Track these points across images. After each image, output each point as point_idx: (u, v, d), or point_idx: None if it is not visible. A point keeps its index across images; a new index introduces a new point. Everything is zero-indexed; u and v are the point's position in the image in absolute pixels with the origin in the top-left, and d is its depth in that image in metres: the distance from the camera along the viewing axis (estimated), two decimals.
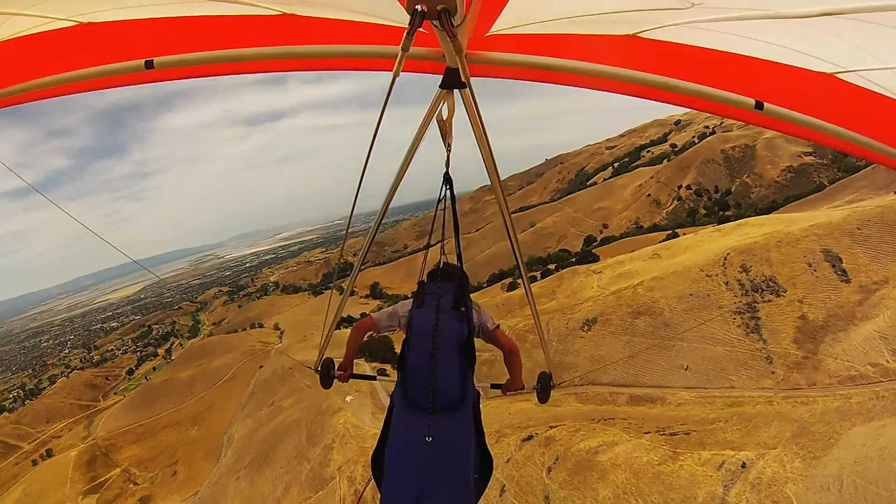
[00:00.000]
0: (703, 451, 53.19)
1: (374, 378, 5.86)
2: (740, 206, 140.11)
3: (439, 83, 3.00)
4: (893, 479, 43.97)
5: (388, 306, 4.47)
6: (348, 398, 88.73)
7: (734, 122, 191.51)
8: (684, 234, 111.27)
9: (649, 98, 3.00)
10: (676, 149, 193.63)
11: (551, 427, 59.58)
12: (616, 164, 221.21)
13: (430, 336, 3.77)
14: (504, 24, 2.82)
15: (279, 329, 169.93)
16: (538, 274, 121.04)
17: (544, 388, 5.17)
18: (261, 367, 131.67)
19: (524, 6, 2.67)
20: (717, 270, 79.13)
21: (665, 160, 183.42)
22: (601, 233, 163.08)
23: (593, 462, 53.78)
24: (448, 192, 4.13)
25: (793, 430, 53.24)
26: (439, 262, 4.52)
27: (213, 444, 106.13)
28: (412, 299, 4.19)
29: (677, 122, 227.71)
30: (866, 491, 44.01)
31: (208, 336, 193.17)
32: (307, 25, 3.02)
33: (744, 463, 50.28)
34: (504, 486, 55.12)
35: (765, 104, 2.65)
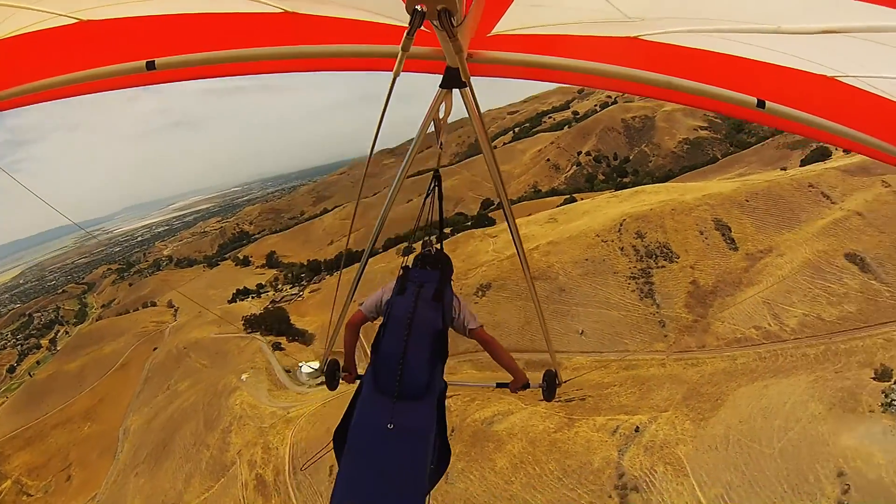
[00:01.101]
0: (598, 417, 54.67)
1: None
2: (638, 174, 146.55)
3: (439, 83, 3.09)
4: (776, 436, 47.33)
5: (372, 293, 4.57)
6: (244, 376, 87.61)
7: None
8: (582, 200, 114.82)
9: (652, 97, 3.28)
10: (578, 116, 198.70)
11: (447, 397, 58.79)
12: (517, 129, 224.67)
13: (404, 323, 3.93)
14: (506, 26, 2.93)
15: (173, 306, 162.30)
16: (433, 237, 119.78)
17: (549, 385, 5.36)
18: (155, 349, 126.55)
19: (526, 11, 2.78)
20: (612, 236, 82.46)
21: (566, 127, 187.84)
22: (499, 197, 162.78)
23: (489, 432, 54.86)
24: (437, 187, 4.75)
25: (683, 393, 55.89)
26: (430, 248, 4.83)
27: (109, 440, 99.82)
28: (395, 283, 4.30)
29: (580, 91, 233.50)
30: (750, 449, 47.01)
31: (97, 321, 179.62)
32: (308, 24, 3.09)
33: (637, 427, 52.09)
34: None
35: (767, 103, 2.76)
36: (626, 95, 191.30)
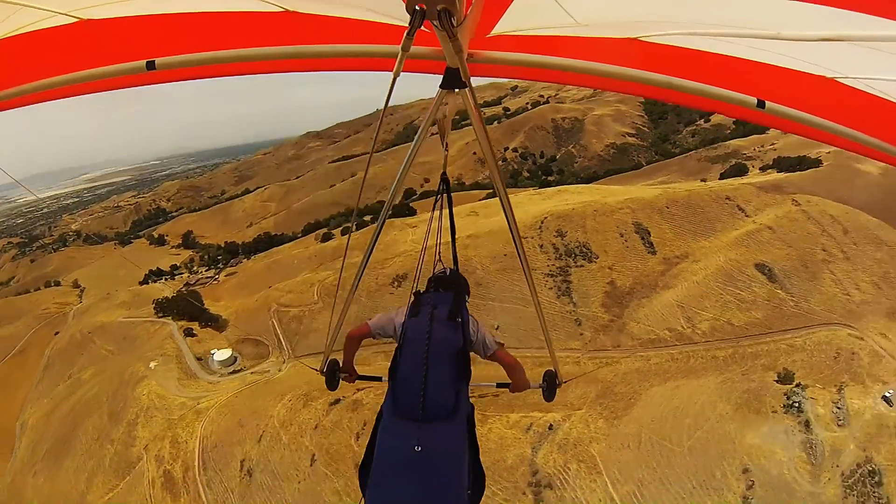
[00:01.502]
0: (512, 414, 54.21)
1: (379, 379, 5.02)
2: (563, 174, 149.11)
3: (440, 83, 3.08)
4: (686, 435, 48.57)
5: (382, 314, 4.51)
6: (152, 364, 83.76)
7: (568, 93, 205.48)
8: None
9: (652, 97, 3.35)
10: (509, 112, 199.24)
11: (359, 390, 59.73)
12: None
13: (422, 344, 3.80)
14: (505, 27, 2.96)
15: (79, 286, 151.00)
16: (354, 226, 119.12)
17: (550, 386, 5.22)
18: (56, 333, 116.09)
19: (526, 12, 2.81)
20: (533, 233, 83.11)
21: (496, 122, 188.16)
22: (422, 187, 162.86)
23: None
24: (446, 193, 4.42)
25: (597, 391, 56.44)
26: (444, 270, 4.63)
27: (5, 436, 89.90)
28: (407, 308, 4.18)
29: (514, 88, 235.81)
30: (662, 447, 47.94)
31: None
32: (308, 23, 3.13)
33: (551, 424, 51.97)
34: (314, 455, 54.73)
35: (767, 103, 2.80)
36: (558, 96, 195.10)
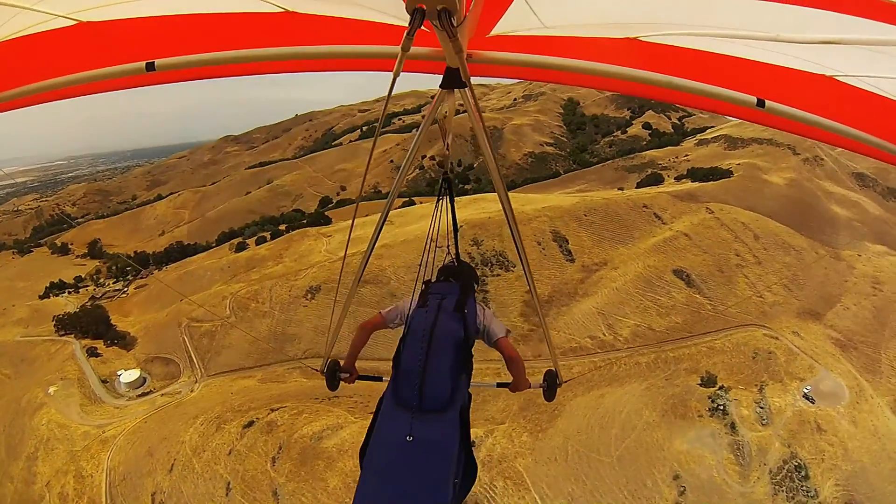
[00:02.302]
0: None
1: (379, 379, 5.18)
2: (480, 182, 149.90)
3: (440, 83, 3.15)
4: (613, 444, 48.10)
5: (386, 308, 4.79)
6: (51, 389, 77.19)
7: (488, 103, 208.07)
8: (421, 203, 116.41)
9: (651, 97, 3.39)
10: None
11: (273, 410, 58.70)
12: (365, 128, 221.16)
13: (425, 334, 3.96)
14: (505, 27, 3.03)
15: None
16: (268, 235, 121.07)
17: (550, 386, 5.60)
18: None
19: (526, 12, 2.86)
20: (447, 241, 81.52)
21: (414, 129, 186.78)
22: (338, 195, 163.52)
23: (319, 449, 53.13)
24: (448, 192, 4.65)
25: (520, 404, 55.73)
26: (452, 261, 4.95)
27: None
28: (413, 297, 4.44)
29: (433, 97, 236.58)
30: (590, 459, 47.30)
31: None
32: (308, 23, 3.17)
33: (473, 441, 49.53)
34: (229, 483, 52.84)
35: (767, 102, 2.86)
36: (478, 104, 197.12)
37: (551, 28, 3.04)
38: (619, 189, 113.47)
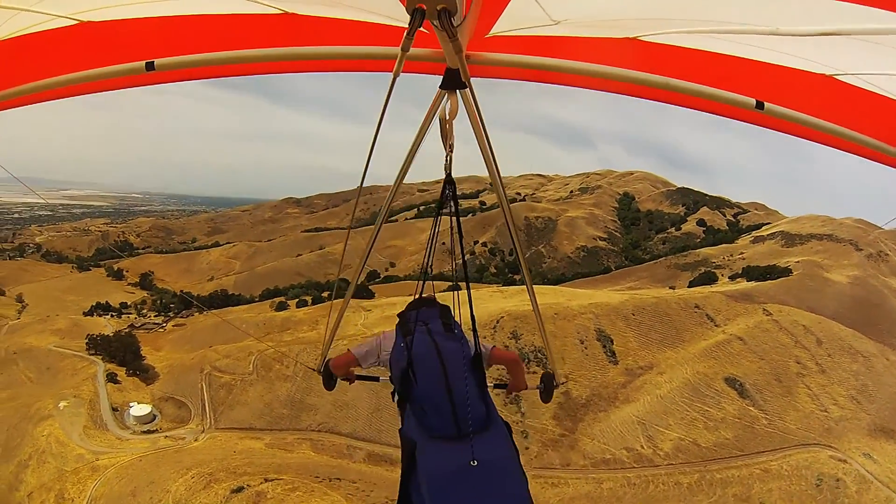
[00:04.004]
0: None
1: (377, 379, 5.05)
2: (530, 273, 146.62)
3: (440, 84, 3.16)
4: None
5: (367, 341, 4.51)
6: (62, 404, 78.08)
7: (545, 193, 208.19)
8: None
9: (650, 98, 3.34)
10: (484, 207, 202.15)
11: (267, 480, 56.61)
12: (422, 208, 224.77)
13: (434, 357, 3.79)
14: (504, 27, 3.00)
15: (22, 302, 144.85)
16: (310, 298, 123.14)
17: (547, 388, 5.20)
18: None
19: (524, 11, 2.83)
20: (486, 332, 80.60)
21: (470, 214, 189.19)
22: (387, 270, 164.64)
23: None
24: (452, 194, 4.32)
25: None
26: (422, 293, 4.60)
27: None
28: (393, 333, 4.21)
29: (492, 183, 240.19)
30: None
31: None
32: (307, 25, 3.17)
33: None
34: None
35: (765, 104, 2.84)
36: (535, 195, 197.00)
37: (549, 27, 3.00)
38: (670, 288, 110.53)
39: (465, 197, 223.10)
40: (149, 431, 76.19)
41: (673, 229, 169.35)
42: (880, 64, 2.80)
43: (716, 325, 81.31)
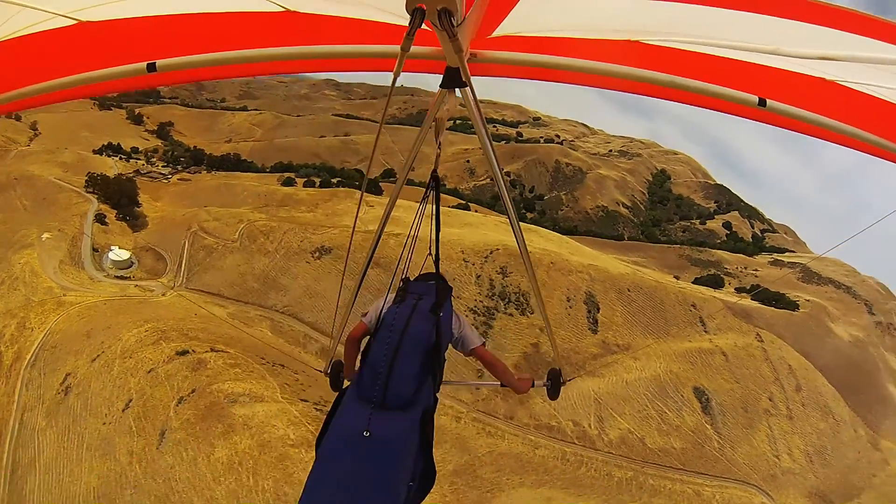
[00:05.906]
0: None
1: None
2: (543, 216, 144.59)
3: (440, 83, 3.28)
4: None
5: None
6: (45, 236, 78.99)
7: (584, 145, 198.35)
8: (475, 212, 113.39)
9: (653, 96, 3.28)
10: (521, 138, 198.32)
11: (213, 350, 56.20)
12: (459, 122, 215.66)
13: (397, 331, 3.89)
14: (509, 29, 3.04)
15: (35, 129, 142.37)
16: (318, 181, 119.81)
17: (554, 384, 5.34)
18: None
19: (528, 15, 2.95)
20: (476, 259, 78.23)
21: (504, 141, 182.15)
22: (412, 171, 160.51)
23: (226, 412, 49.77)
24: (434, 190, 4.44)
25: (457, 464, 53.50)
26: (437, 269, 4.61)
27: None
28: (388, 293, 4.35)
29: (536, 119, 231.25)
30: None
31: None
32: (309, 23, 3.21)
33: None
34: (130, 401, 50.50)
35: (768, 101, 2.78)
36: (574, 142, 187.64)
37: (554, 31, 3.10)
38: (674, 277, 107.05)
39: (505, 124, 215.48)
40: (122, 277, 77.33)
41: (697, 221, 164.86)
42: (881, 77, 2.89)
43: (705, 331, 78.53)
